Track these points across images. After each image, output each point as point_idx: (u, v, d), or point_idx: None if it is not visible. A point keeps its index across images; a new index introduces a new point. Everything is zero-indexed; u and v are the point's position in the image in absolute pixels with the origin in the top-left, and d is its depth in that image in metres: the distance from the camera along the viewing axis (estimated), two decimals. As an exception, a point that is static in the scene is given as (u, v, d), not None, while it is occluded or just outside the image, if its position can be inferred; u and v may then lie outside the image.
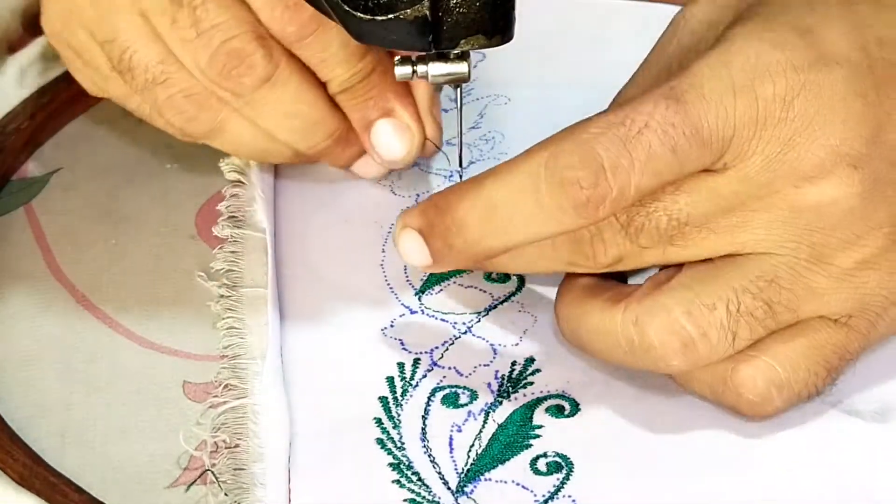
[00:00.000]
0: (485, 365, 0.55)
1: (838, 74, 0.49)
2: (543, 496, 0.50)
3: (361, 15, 0.53)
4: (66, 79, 0.68)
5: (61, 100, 0.67)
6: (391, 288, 0.59)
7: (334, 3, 0.53)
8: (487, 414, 0.53)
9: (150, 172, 0.64)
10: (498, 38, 0.54)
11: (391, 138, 0.59)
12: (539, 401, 0.54)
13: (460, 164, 0.62)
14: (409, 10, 0.52)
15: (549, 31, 0.73)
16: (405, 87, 0.59)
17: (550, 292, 0.59)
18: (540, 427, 0.52)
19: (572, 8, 0.75)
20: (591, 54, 0.72)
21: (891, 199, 0.50)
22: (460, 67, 0.56)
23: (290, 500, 0.49)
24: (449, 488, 0.50)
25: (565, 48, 0.71)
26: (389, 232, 0.62)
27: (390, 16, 0.52)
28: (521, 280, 0.59)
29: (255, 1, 0.55)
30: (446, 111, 0.68)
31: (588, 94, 0.70)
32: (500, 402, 0.53)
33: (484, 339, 0.56)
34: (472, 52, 0.56)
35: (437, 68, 0.56)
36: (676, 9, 0.74)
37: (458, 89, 0.59)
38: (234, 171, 0.63)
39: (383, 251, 0.61)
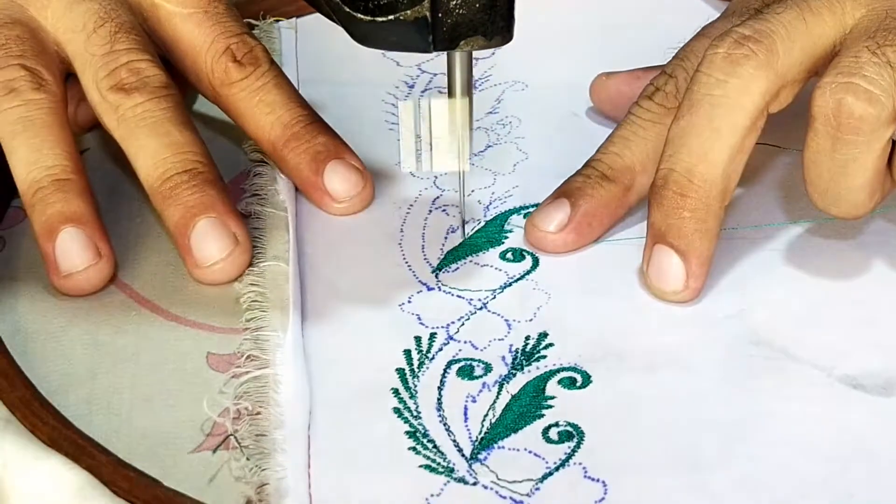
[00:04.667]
0: (499, 339, 0.57)
1: None
2: (555, 463, 0.51)
3: (362, 16, 0.54)
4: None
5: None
6: (409, 265, 0.60)
7: (335, 5, 0.54)
8: (501, 385, 0.54)
9: (175, 153, 0.65)
10: (498, 39, 0.55)
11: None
12: (552, 373, 0.55)
13: (459, 163, 0.62)
14: (409, 12, 0.53)
15: (565, 17, 0.75)
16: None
17: (564, 271, 0.60)
18: (552, 398, 0.54)
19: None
20: (607, 40, 0.74)
21: None
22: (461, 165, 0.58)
23: (309, 465, 0.51)
24: (463, 455, 0.51)
25: (581, 35, 0.73)
26: (408, 212, 0.63)
27: (390, 17, 0.53)
28: (536, 260, 0.61)
29: None
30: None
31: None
32: (514, 375, 0.55)
33: (499, 314, 0.58)
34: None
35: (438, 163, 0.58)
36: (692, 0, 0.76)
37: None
38: (256, 150, 0.64)
39: (401, 231, 0.62)
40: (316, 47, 0.74)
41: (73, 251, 0.57)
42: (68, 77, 0.61)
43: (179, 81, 0.63)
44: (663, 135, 0.58)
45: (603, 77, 0.68)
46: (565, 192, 0.61)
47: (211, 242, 0.58)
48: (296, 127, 0.62)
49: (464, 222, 0.62)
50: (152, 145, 0.58)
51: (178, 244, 0.58)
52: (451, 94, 0.57)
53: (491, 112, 0.69)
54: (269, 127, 0.61)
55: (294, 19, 0.75)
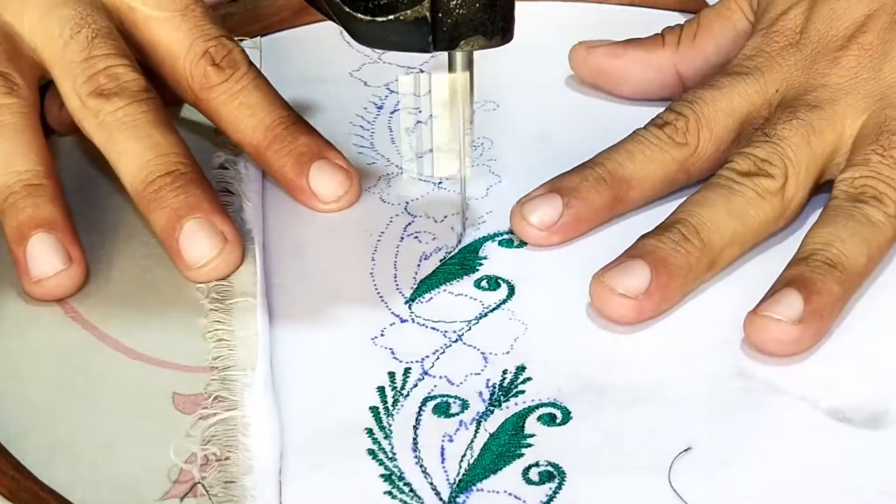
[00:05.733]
0: (476, 374, 0.55)
1: None
2: (536, 506, 0.50)
3: (362, 16, 0.53)
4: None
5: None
6: (381, 297, 0.59)
7: (335, 4, 0.53)
8: (479, 423, 0.53)
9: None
10: (498, 39, 0.55)
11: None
12: (531, 409, 0.53)
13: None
14: (408, 12, 0.53)
15: (538, 36, 0.73)
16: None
17: (541, 300, 0.58)
18: (532, 436, 0.52)
19: (559, 12, 0.75)
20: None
21: None
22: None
23: (281, 513, 0.49)
24: (441, 499, 0.50)
25: (553, 53, 0.71)
26: (379, 240, 0.61)
27: (390, 17, 0.53)
28: (511, 288, 0.59)
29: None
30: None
31: (576, 98, 0.70)
32: (492, 412, 0.53)
33: (475, 347, 0.56)
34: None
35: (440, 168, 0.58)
36: (665, 13, 0.75)
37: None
38: (222, 181, 0.63)
39: (373, 259, 0.60)
40: (281, 67, 0.72)
41: (44, 256, 0.57)
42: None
43: (158, 85, 0.62)
44: (666, 163, 0.61)
45: (583, 50, 0.69)
46: (560, 188, 0.60)
47: (200, 243, 0.57)
48: (277, 129, 0.61)
49: (464, 218, 0.62)
50: (134, 149, 0.58)
51: (167, 247, 0.58)
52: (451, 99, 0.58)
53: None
54: (251, 131, 0.61)
55: (258, 38, 0.73)
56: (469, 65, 0.57)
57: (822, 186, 0.62)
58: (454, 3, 0.53)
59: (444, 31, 0.53)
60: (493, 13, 0.53)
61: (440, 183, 0.64)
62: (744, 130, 0.62)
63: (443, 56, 0.58)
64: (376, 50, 0.73)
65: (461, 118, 0.58)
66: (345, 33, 0.73)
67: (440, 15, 0.53)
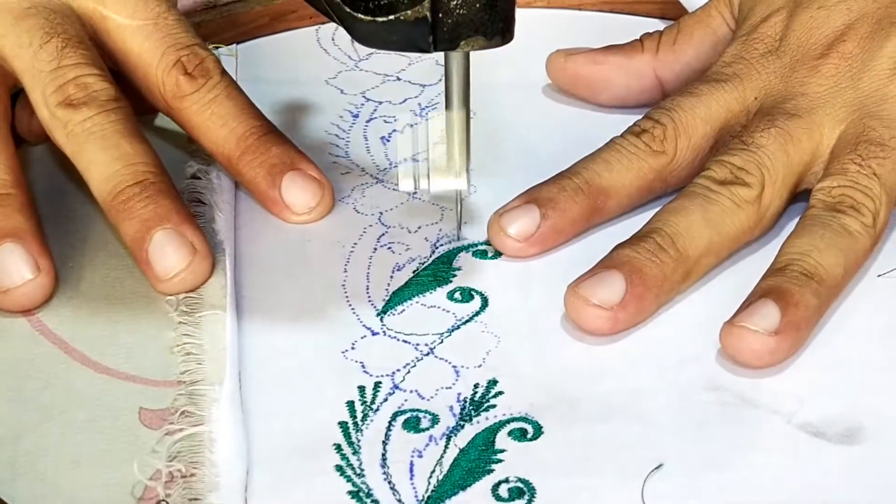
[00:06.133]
0: (447, 388, 0.54)
1: None
2: (505, 523, 0.49)
3: (363, 16, 0.53)
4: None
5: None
6: (353, 309, 0.58)
7: (336, 5, 0.53)
8: (449, 438, 0.52)
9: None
10: (498, 39, 0.55)
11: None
12: (501, 424, 0.53)
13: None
14: (409, 12, 0.53)
15: (514, 42, 0.72)
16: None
17: (514, 312, 0.58)
18: (502, 451, 0.52)
19: (534, 20, 0.74)
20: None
21: None
22: (459, 183, 0.58)
23: (246, 531, 0.48)
24: (409, 516, 0.49)
25: (531, 60, 0.70)
26: (352, 251, 0.61)
27: (391, 17, 0.53)
28: (485, 300, 0.58)
29: None
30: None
31: (554, 106, 0.70)
32: (462, 426, 0.53)
33: (446, 360, 0.56)
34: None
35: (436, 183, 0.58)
36: (645, 20, 0.74)
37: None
38: (194, 191, 0.62)
39: (345, 271, 0.60)
40: (256, 74, 0.71)
41: (11, 266, 0.56)
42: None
43: (132, 93, 0.62)
44: (644, 172, 0.60)
45: (561, 58, 0.69)
46: (537, 199, 0.60)
47: (169, 254, 0.57)
48: (249, 139, 0.61)
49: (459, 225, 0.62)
50: (102, 159, 0.58)
51: (136, 258, 0.57)
52: (448, 101, 0.57)
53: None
54: (223, 140, 0.61)
55: (234, 46, 0.73)
56: (466, 66, 0.56)
57: (798, 195, 0.61)
58: (454, 3, 0.53)
59: (444, 31, 0.53)
60: (494, 13, 0.53)
61: (414, 193, 0.64)
62: (722, 138, 0.62)
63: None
64: (352, 57, 0.73)
65: (456, 132, 0.58)
66: (321, 40, 0.74)
67: (440, 15, 0.53)
